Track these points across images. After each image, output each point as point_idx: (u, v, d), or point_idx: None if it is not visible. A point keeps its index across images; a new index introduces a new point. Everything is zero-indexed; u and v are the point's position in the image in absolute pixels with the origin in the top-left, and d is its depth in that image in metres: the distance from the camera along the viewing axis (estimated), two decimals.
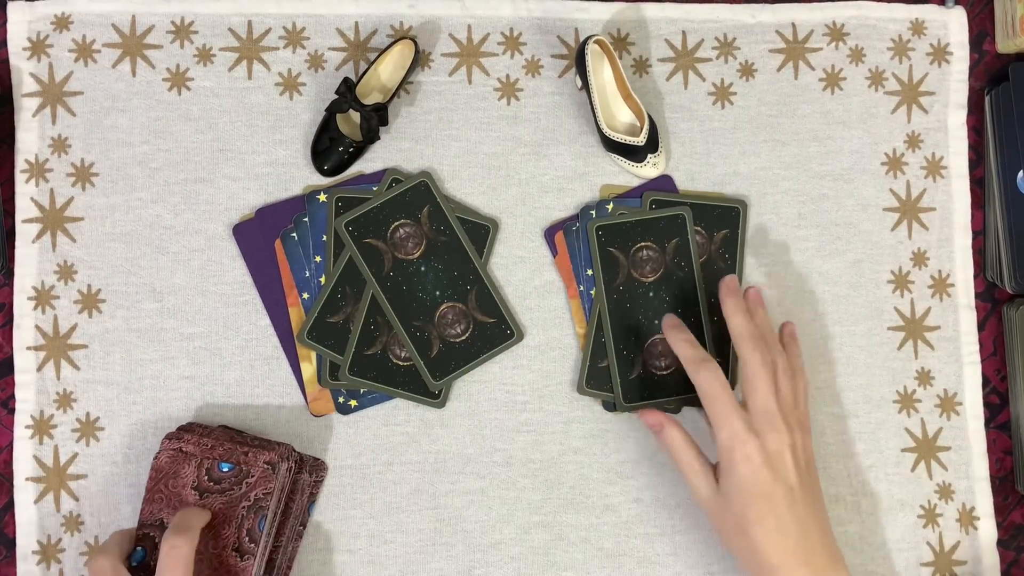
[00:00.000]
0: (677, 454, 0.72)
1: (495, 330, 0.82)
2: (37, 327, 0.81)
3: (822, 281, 0.85)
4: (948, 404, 0.85)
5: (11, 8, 0.83)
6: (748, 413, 0.69)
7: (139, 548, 0.72)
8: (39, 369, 0.80)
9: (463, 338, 0.82)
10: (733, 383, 0.83)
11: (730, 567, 0.82)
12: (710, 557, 0.82)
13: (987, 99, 0.87)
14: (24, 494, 0.79)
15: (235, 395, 0.81)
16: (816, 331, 0.84)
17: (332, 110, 0.81)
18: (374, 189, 0.83)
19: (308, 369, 0.81)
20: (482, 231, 0.83)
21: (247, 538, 0.72)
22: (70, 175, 0.82)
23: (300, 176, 0.83)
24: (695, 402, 0.82)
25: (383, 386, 0.81)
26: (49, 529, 0.79)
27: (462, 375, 0.82)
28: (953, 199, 0.87)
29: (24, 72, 0.82)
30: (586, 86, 0.82)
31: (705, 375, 0.71)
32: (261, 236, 0.82)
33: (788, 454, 0.68)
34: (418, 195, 0.82)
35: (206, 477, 0.73)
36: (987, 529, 0.84)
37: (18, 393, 0.80)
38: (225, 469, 0.73)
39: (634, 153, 0.82)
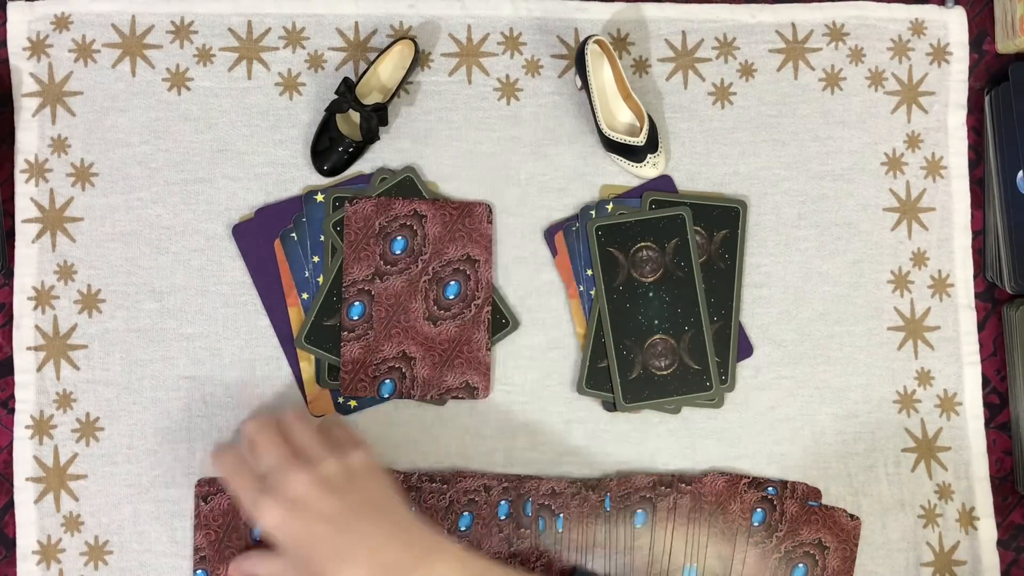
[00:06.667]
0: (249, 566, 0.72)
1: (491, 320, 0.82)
2: (37, 327, 0.81)
3: (822, 281, 0.85)
4: (948, 404, 0.85)
5: (11, 8, 0.83)
6: (262, 479, 0.68)
7: (388, 381, 0.77)
8: (39, 369, 0.80)
9: None
10: (732, 384, 0.83)
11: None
12: None
13: (987, 99, 0.87)
14: (24, 494, 0.79)
15: (235, 395, 0.81)
16: (816, 331, 0.84)
17: (332, 110, 0.81)
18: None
19: (308, 370, 0.81)
20: None
21: (435, 306, 0.79)
22: (70, 175, 0.82)
23: (300, 176, 0.83)
24: (695, 402, 0.82)
25: None
26: (49, 529, 0.79)
27: None
28: (953, 199, 0.87)
29: (24, 72, 0.82)
30: (586, 86, 0.82)
31: (218, 463, 0.71)
32: (261, 236, 0.82)
33: (315, 488, 0.66)
34: (403, 190, 0.82)
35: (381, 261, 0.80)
36: (987, 529, 0.84)
37: (18, 393, 0.80)
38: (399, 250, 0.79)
39: (634, 153, 0.82)
